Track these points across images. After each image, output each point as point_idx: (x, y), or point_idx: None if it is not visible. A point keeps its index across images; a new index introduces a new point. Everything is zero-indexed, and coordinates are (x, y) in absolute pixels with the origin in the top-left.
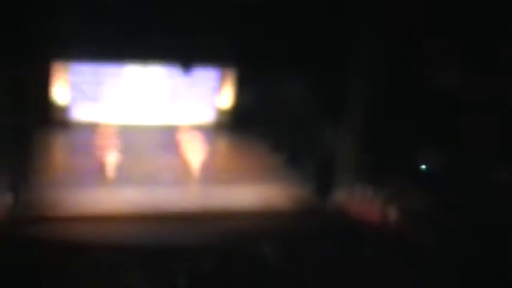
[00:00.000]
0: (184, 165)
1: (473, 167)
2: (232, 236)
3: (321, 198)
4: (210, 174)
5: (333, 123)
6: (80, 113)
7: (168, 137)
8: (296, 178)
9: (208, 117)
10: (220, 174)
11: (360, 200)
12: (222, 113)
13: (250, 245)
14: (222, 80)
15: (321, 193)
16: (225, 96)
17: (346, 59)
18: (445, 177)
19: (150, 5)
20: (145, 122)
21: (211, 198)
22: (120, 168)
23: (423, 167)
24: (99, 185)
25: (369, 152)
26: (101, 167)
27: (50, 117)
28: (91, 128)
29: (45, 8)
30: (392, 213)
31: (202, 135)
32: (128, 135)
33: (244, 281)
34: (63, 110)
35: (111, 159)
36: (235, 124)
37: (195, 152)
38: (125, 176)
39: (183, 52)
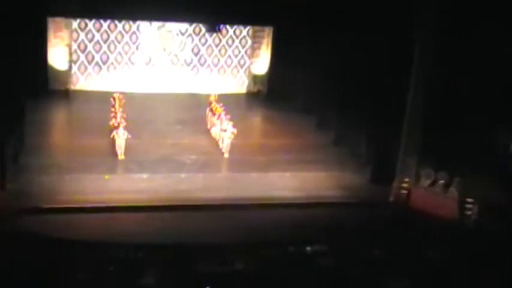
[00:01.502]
0: (212, 147)
1: None
2: (270, 230)
3: (378, 188)
4: (244, 157)
5: (392, 96)
6: (84, 81)
7: (192, 110)
8: (347, 163)
9: (240, 85)
10: (257, 157)
11: (427, 191)
12: (256, 81)
13: (293, 242)
14: (256, 41)
15: (378, 181)
16: (260, 61)
17: (409, 18)
18: None
19: None
20: (165, 91)
21: (245, 186)
22: (133, 150)
23: None
24: (107, 170)
25: (438, 133)
26: (108, 149)
27: (46, 86)
28: (97, 99)
29: None
30: (467, 207)
31: (234, 107)
32: (143, 107)
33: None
34: (62, 78)
35: (122, 138)
36: (272, 94)
37: (226, 130)
38: (138, 160)
39: (210, 6)
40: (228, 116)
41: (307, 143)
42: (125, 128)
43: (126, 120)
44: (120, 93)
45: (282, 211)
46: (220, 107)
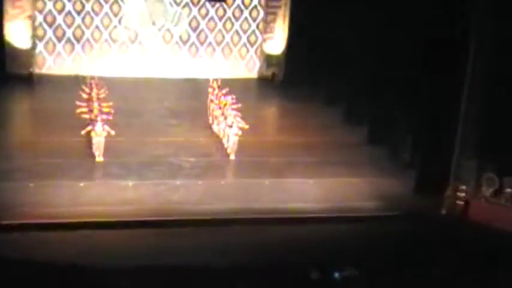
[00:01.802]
0: (215, 146)
1: None
2: (288, 251)
3: (426, 198)
4: (255, 159)
5: (444, 80)
6: (52, 63)
7: (189, 100)
8: (385, 166)
9: (250, 68)
10: (271, 159)
11: (490, 202)
12: (270, 63)
13: (317, 266)
14: (270, 13)
15: (426, 190)
16: (275, 38)
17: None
18: None
19: None
20: (155, 75)
21: (257, 196)
22: (115, 150)
23: None
24: (82, 176)
25: (503, 129)
26: (84, 149)
27: (4, 69)
28: (69, 86)
29: None
30: None
31: (242, 96)
32: (128, 96)
33: None
34: (24, 59)
35: (100, 135)
36: (290, 79)
37: (232, 125)
38: (121, 163)
39: None
40: (235, 107)
41: (334, 140)
42: (105, 122)
43: (105, 112)
44: (98, 78)
45: (303, 227)
46: (225, 96)
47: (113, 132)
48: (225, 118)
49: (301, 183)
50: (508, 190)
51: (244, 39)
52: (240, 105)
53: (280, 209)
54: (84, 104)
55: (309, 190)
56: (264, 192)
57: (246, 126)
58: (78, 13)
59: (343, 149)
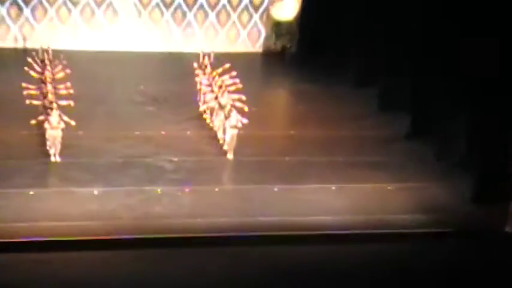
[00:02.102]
0: (208, 142)
1: None
2: (304, 278)
3: (484, 210)
4: (261, 158)
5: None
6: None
7: (173, 80)
8: (430, 168)
9: (253, 40)
10: (281, 159)
11: None
12: (279, 32)
13: None
14: None
15: (484, 199)
16: (285, 0)
17: None
18: None
19: None
20: (129, 48)
21: (262, 208)
22: (76, 147)
23: None
24: (32, 181)
25: None
26: (34, 146)
27: None
28: (16, 63)
29: None
30: None
31: (243, 76)
32: (93, 76)
33: None
34: None
35: (56, 128)
36: (305, 54)
37: (229, 114)
38: (84, 164)
39: None
40: (233, 88)
41: (362, 135)
42: (62, 110)
43: (63, 97)
44: (54, 52)
45: (322, 247)
46: (221, 76)
47: (73, 123)
48: (220, 106)
49: (320, 190)
50: None
51: (245, 1)
52: (240, 85)
53: (293, 224)
54: (33, 87)
55: (330, 199)
56: (272, 202)
57: (245, 121)
58: None
59: (375, 145)
